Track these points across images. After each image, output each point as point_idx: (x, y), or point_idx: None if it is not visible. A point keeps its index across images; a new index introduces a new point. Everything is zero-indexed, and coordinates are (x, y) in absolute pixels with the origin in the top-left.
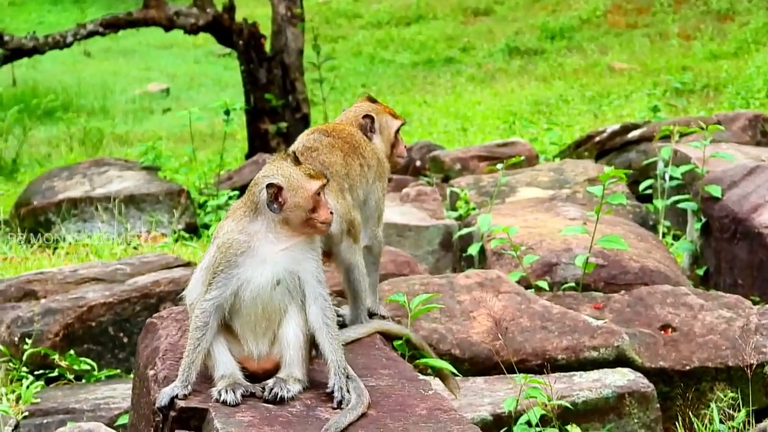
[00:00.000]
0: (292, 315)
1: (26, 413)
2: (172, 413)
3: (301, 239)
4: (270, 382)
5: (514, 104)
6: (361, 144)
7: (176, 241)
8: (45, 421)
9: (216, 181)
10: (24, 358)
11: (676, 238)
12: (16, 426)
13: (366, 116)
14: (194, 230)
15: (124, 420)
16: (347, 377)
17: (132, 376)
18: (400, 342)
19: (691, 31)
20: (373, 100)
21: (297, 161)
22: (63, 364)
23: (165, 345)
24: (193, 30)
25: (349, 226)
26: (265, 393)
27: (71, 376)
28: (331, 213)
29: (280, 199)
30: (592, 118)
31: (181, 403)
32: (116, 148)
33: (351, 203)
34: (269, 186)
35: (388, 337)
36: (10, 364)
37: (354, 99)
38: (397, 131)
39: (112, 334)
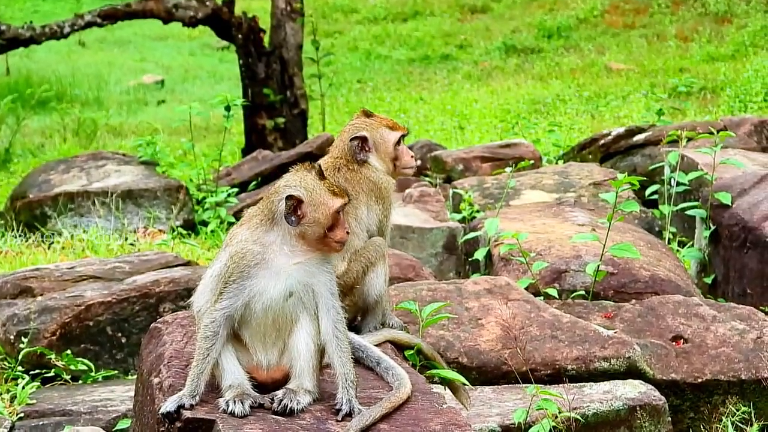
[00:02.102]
0: (303, 325)
1: (21, 414)
2: (178, 424)
3: (315, 255)
4: (279, 393)
5: (511, 103)
6: (348, 178)
7: (174, 238)
8: (41, 423)
9: (215, 178)
10: (20, 357)
11: (681, 244)
12: (12, 428)
13: (353, 138)
14: (192, 227)
15: (123, 424)
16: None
17: (130, 377)
18: (411, 352)
19: (688, 32)
20: (369, 114)
21: (322, 175)
22: (59, 364)
23: (170, 351)
24: (191, 23)
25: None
26: (275, 404)
27: (68, 377)
28: (348, 233)
29: (299, 212)
30: (589, 119)
31: (187, 414)
32: (110, 140)
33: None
34: (289, 198)
35: (399, 347)
36: (6, 363)
37: (349, 95)
38: (398, 143)
39: (110, 334)
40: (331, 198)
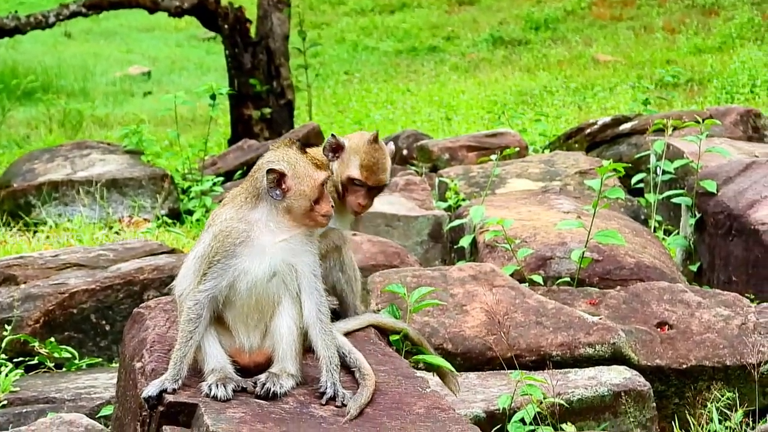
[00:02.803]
0: (285, 307)
1: (5, 402)
2: (161, 408)
3: (300, 231)
4: (262, 377)
5: (498, 94)
6: None
7: (159, 226)
8: (24, 410)
9: (200, 167)
10: (3, 344)
11: (667, 232)
12: None
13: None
14: (177, 216)
15: (106, 411)
16: (348, 353)
17: (114, 365)
18: (396, 337)
19: (675, 24)
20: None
21: (303, 149)
22: (43, 351)
23: (153, 336)
24: (177, 13)
25: None
26: (257, 388)
27: (51, 364)
28: (332, 206)
29: (283, 186)
30: (576, 110)
31: (169, 398)
32: (96, 131)
33: None
34: (270, 171)
35: (384, 332)
36: None
37: (336, 86)
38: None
39: (94, 321)
40: (315, 170)
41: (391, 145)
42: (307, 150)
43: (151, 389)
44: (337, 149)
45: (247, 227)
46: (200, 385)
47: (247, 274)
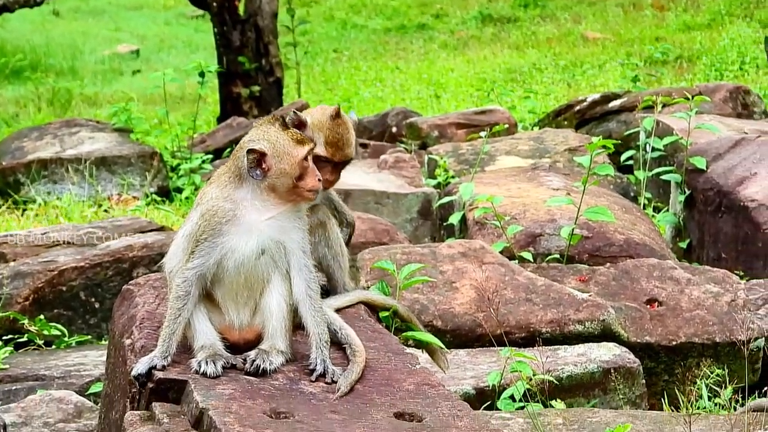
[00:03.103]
0: (275, 285)
1: None
2: (150, 384)
3: (287, 207)
4: (252, 353)
5: (487, 72)
6: None
7: (148, 204)
8: (14, 387)
9: (189, 144)
10: None
11: (656, 210)
12: None
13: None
14: (167, 194)
15: (95, 388)
16: (339, 329)
17: (104, 342)
18: (386, 314)
19: (664, 1)
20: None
21: (285, 126)
22: (32, 329)
23: (142, 313)
24: None
25: None
26: (247, 365)
27: (41, 342)
28: (319, 180)
29: (264, 166)
30: (565, 88)
31: (159, 374)
32: (85, 109)
33: None
34: (250, 152)
35: (373, 309)
36: None
37: (325, 64)
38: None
39: (83, 299)
40: (294, 147)
41: (353, 115)
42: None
43: (140, 367)
44: (299, 126)
45: (232, 206)
46: (190, 361)
47: (235, 252)
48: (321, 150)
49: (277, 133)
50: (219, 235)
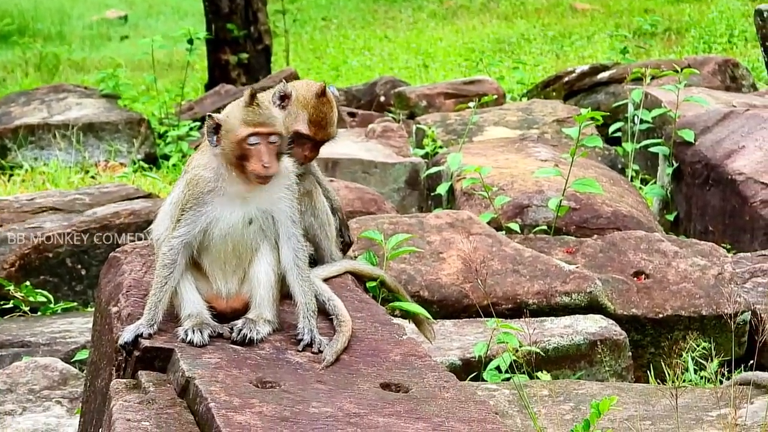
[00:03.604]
0: (264, 254)
1: None
2: (136, 353)
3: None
4: (239, 322)
5: (475, 42)
6: None
7: (135, 171)
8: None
9: (177, 111)
10: None
11: (644, 182)
12: None
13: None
14: (154, 161)
15: (81, 355)
16: (328, 300)
17: (89, 309)
18: (373, 284)
19: None
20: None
21: (251, 100)
22: (18, 295)
23: (129, 281)
24: None
25: None
26: (234, 334)
27: (27, 308)
28: (267, 167)
29: (218, 136)
30: (554, 59)
31: (145, 343)
32: (72, 75)
33: None
34: (209, 117)
35: (360, 279)
36: None
37: (314, 32)
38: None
39: (69, 265)
40: (239, 125)
41: (334, 90)
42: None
43: (126, 335)
44: (283, 99)
45: (213, 175)
46: (176, 330)
47: (219, 221)
48: (303, 128)
49: (236, 107)
50: (203, 203)
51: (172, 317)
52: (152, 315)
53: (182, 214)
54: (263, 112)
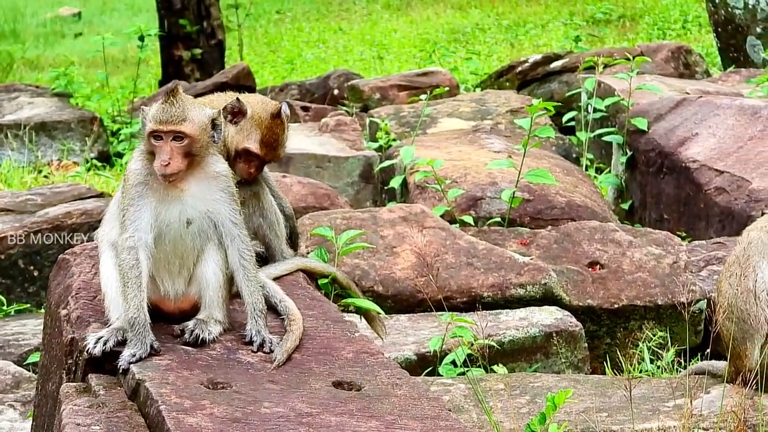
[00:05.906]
0: (210, 254)
1: None
2: (86, 355)
3: (205, 178)
4: (190, 323)
5: (430, 32)
6: None
7: (88, 170)
8: None
9: (129, 109)
10: None
11: (599, 171)
12: None
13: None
14: (107, 159)
15: (34, 358)
16: (279, 301)
17: (43, 311)
18: (325, 281)
19: None
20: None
21: (167, 97)
22: None
23: (78, 283)
24: None
25: None
26: (186, 335)
27: None
28: (163, 165)
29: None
30: (508, 48)
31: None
32: (27, 73)
33: None
34: (141, 109)
35: (312, 276)
36: None
37: (268, 26)
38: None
39: (22, 267)
40: (149, 121)
41: (286, 108)
42: (202, 98)
43: (122, 362)
44: (237, 114)
45: (143, 168)
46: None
47: (157, 218)
48: (254, 147)
49: (161, 101)
50: (137, 196)
51: (101, 315)
52: (139, 328)
53: (124, 215)
54: (173, 111)
